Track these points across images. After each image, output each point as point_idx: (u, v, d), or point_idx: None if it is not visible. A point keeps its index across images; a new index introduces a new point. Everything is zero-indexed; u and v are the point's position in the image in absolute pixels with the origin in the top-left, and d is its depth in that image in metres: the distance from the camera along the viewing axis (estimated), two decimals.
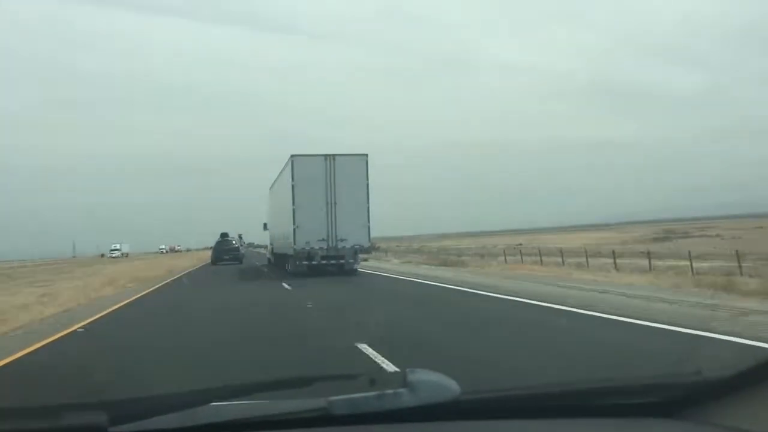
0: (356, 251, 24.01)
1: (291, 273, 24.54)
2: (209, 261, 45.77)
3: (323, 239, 23.52)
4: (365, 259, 25.02)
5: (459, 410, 1.63)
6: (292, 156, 23.92)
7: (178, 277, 28.90)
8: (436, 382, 1.63)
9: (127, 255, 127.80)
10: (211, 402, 1.60)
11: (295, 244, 23.51)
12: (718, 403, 1.67)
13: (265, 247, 44.29)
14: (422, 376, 1.64)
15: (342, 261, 23.86)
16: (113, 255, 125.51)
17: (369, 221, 23.91)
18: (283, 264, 29.32)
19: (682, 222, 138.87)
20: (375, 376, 1.72)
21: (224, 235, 46.88)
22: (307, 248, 23.49)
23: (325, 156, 23.77)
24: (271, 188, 35.58)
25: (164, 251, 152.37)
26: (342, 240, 23.58)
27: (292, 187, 23.63)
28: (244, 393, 1.71)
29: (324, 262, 23.71)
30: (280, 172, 27.93)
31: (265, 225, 40.39)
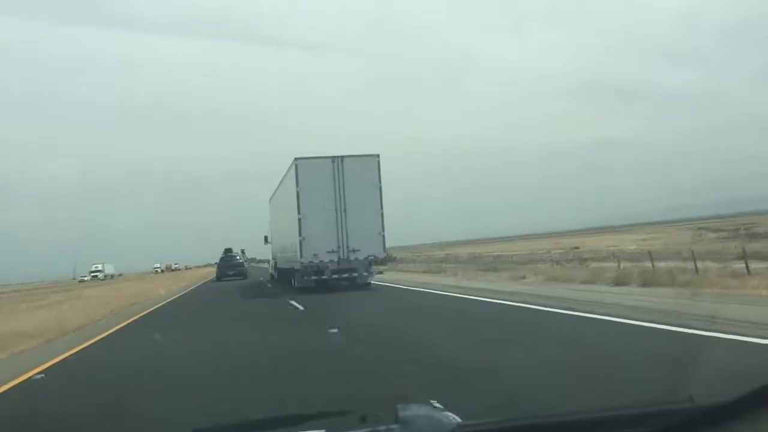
0: (370, 263, 21.63)
1: (298, 289, 22.23)
2: (209, 279, 46.66)
3: (333, 251, 21.14)
4: (380, 272, 22.63)
5: None
6: (295, 159, 21.58)
7: (153, 311, 19.87)
8: (430, 416, 1.61)
9: (112, 276, 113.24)
10: None
11: (301, 257, 21.13)
12: (713, 430, 1.60)
13: (267, 261, 41.79)
14: (416, 410, 1.62)
15: (355, 274, 21.48)
16: (84, 279, 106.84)
17: (383, 229, 21.55)
18: (287, 279, 26.89)
19: (705, 220, 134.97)
20: (366, 413, 1.64)
21: (228, 251, 46.50)
22: (316, 261, 21.11)
23: (333, 158, 21.44)
24: (271, 199, 33.24)
25: (159, 270, 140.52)
26: (354, 251, 21.21)
27: (297, 194, 21.28)
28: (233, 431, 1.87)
29: (335, 276, 21.32)
30: (282, 179, 25.59)
31: (266, 238, 37.96)
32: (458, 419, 1.59)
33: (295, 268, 22.73)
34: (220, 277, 43.12)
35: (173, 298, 27.35)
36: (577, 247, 57.09)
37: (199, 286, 38.74)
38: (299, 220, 21.22)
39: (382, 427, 1.56)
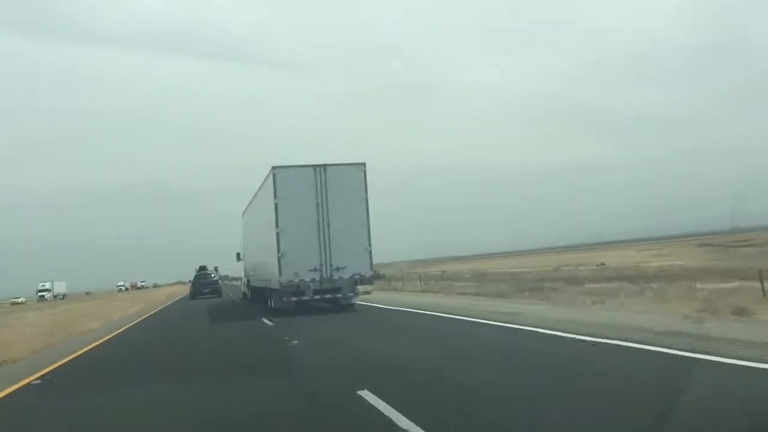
0: (356, 281, 19.65)
1: (275, 310, 20.19)
2: (177, 299, 42.66)
3: (315, 269, 19.13)
4: (367, 291, 20.65)
5: None
6: (273, 168, 19.55)
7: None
8: None
9: (63, 296, 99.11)
10: None
11: (280, 276, 19.06)
12: None
13: (240, 279, 39.47)
14: None
15: (339, 295, 19.48)
16: (18, 300, 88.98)
17: (370, 244, 19.62)
18: (262, 299, 24.79)
19: (685, 237, 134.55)
20: None
21: (202, 269, 45.19)
22: (296, 281, 19.06)
23: (314, 167, 19.49)
24: (244, 213, 31.09)
25: (123, 288, 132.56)
26: (338, 269, 19.22)
27: (275, 206, 19.24)
28: None
29: (317, 297, 19.29)
30: (258, 191, 23.52)
31: (238, 255, 35.77)
32: None
33: (273, 287, 20.65)
34: (194, 295, 41.29)
35: (111, 336, 17.87)
36: (602, 264, 49.55)
37: (159, 310, 32.60)
38: (277, 234, 19.18)
39: None
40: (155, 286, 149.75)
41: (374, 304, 21.35)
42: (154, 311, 31.62)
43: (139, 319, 24.91)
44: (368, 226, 19.55)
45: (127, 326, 21.55)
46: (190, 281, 48.31)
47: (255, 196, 24.75)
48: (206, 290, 41.66)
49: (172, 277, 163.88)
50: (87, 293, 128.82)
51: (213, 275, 44.96)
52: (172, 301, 42.96)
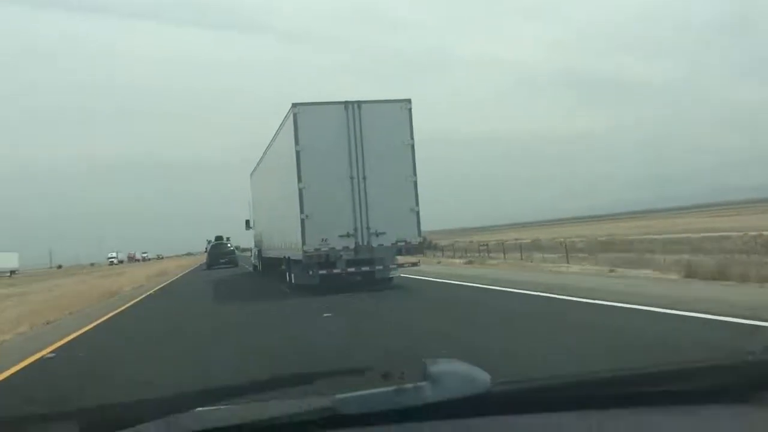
0: (400, 251, 15.58)
1: (295, 286, 16.27)
2: (186, 272, 41.07)
3: (348, 234, 15.07)
4: (415, 263, 16.50)
5: (490, 404, 1.38)
6: (294, 106, 15.33)
7: None
8: (463, 373, 1.39)
9: (12, 273, 78.43)
10: (198, 407, 1.35)
11: (304, 243, 15.00)
12: None
13: (250, 250, 35.49)
14: (445, 366, 1.40)
15: (379, 266, 15.41)
16: None
17: (417, 204, 15.52)
18: (277, 272, 20.81)
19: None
20: (389, 370, 1.39)
21: (219, 239, 45.10)
22: (325, 249, 15.01)
23: (346, 103, 15.31)
24: (254, 172, 26.92)
25: (115, 261, 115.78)
26: (377, 234, 15.16)
27: (297, 155, 15.10)
28: (236, 394, 1.45)
29: (352, 269, 15.25)
30: (273, 139, 19.31)
31: (247, 222, 31.67)
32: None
33: (293, 258, 16.64)
34: (211, 265, 41.12)
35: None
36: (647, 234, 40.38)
37: (172, 281, 28.07)
38: (300, 191, 15.06)
39: (409, 385, 1.32)
40: (159, 257, 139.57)
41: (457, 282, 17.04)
42: (166, 282, 26.28)
43: (142, 295, 20.04)
44: (415, 181, 15.43)
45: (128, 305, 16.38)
46: (205, 251, 48.70)
47: (269, 147, 20.52)
48: (222, 260, 41.49)
49: (182, 249, 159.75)
50: (59, 267, 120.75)
51: (229, 245, 44.77)
52: (184, 273, 38.86)
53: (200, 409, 1.35)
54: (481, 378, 1.38)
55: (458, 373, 1.39)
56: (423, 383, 1.33)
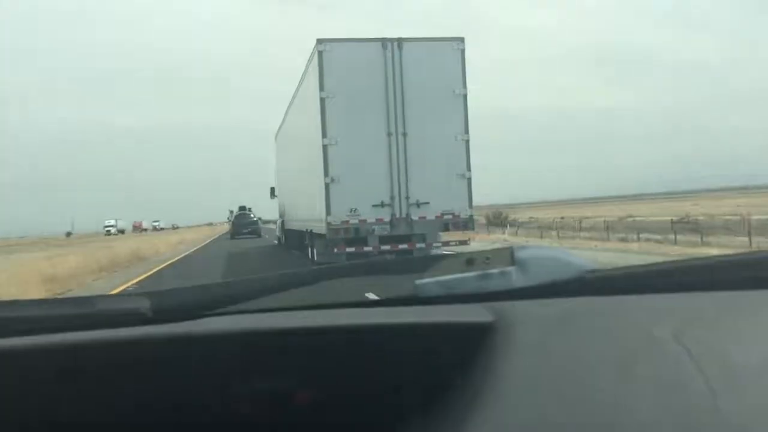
0: (446, 225, 12.68)
1: (318, 265, 13.41)
2: (199, 246, 37.94)
3: (383, 204, 12.24)
4: (465, 241, 13.54)
5: (583, 289, 1.20)
6: (319, 42, 12.39)
7: None
8: (554, 258, 1.23)
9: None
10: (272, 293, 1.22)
11: (329, 213, 12.20)
12: None
13: (275, 222, 32.89)
14: (535, 252, 1.24)
15: (421, 244, 12.54)
16: None
17: (469, 168, 12.55)
18: (300, 246, 18.10)
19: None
20: (473, 256, 1.25)
21: (242, 209, 46.22)
22: (354, 222, 12.21)
23: (383, 41, 12.35)
24: (278, 131, 24.16)
25: (113, 232, 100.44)
26: (419, 205, 12.28)
27: (321, 103, 12.23)
28: (314, 280, 1.24)
29: (386, 247, 12.40)
30: (297, 88, 16.42)
31: (272, 190, 28.99)
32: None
33: (316, 231, 13.89)
34: (234, 235, 42.65)
35: None
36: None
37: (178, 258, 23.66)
38: (324, 148, 12.23)
39: (495, 270, 1.18)
40: (175, 227, 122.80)
41: None
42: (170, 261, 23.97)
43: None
44: (467, 140, 12.45)
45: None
46: (228, 220, 49.90)
47: (293, 97, 17.63)
48: (246, 230, 42.84)
49: (203, 219, 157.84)
50: (20, 237, 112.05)
51: (253, 216, 45.89)
52: (198, 246, 36.32)
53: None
54: (574, 263, 1.23)
55: (549, 257, 1.23)
56: (510, 269, 1.18)
